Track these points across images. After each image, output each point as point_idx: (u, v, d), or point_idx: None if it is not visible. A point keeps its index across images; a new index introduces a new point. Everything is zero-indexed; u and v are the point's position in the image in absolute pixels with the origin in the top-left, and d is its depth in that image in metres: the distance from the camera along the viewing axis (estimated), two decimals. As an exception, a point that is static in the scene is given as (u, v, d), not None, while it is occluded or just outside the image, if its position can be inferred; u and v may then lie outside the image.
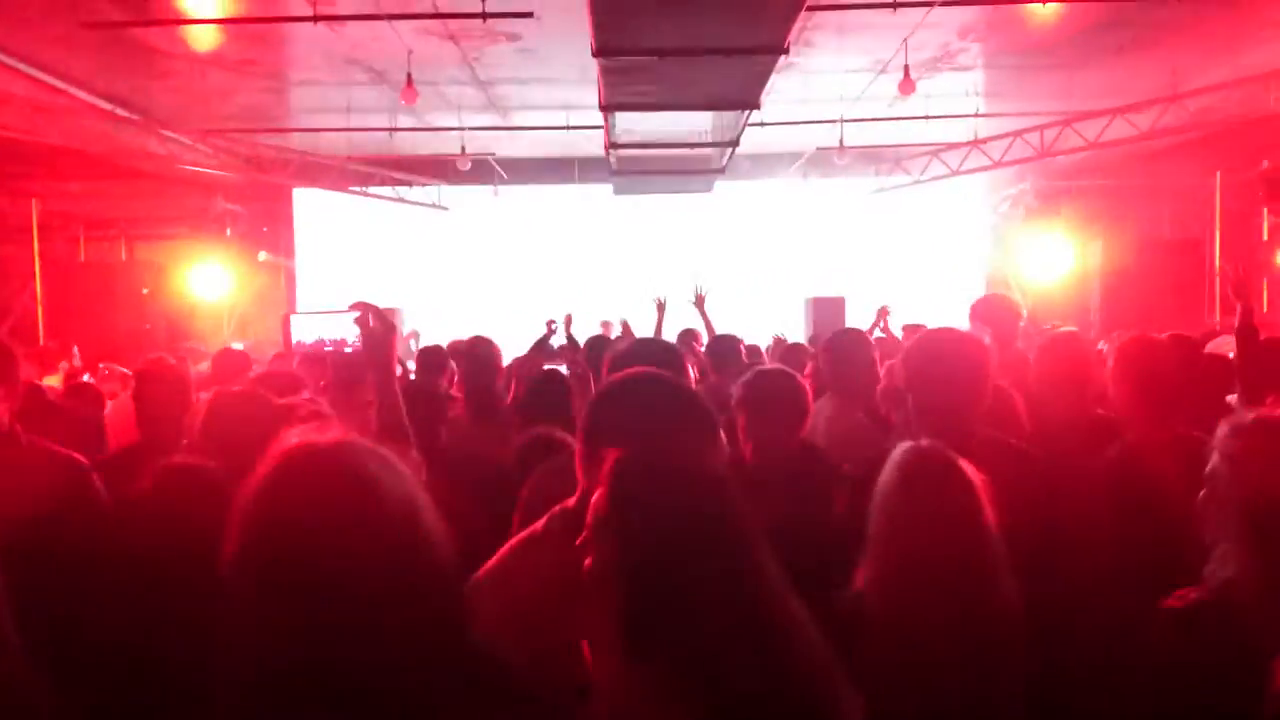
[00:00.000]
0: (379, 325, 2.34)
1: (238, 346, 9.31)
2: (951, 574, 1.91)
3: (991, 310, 4.65)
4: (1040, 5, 7.64)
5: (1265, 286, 10.66)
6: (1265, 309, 10.19)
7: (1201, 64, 9.30)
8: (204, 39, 8.14)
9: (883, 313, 7.14)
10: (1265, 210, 10.84)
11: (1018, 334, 4.65)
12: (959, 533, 1.94)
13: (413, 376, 5.81)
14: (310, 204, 13.63)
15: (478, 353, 4.54)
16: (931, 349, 2.73)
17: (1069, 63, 9.20)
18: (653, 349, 2.66)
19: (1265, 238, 10.79)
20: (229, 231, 12.41)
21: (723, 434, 1.83)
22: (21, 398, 2.95)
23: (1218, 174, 11.14)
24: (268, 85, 9.62)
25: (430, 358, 5.49)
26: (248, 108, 10.37)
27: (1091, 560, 2.60)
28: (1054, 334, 4.35)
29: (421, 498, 1.32)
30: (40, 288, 10.76)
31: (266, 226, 13.18)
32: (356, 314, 2.36)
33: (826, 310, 11.84)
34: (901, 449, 2.06)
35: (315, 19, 7.23)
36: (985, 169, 12.18)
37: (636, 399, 1.75)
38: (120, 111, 9.86)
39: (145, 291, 11.85)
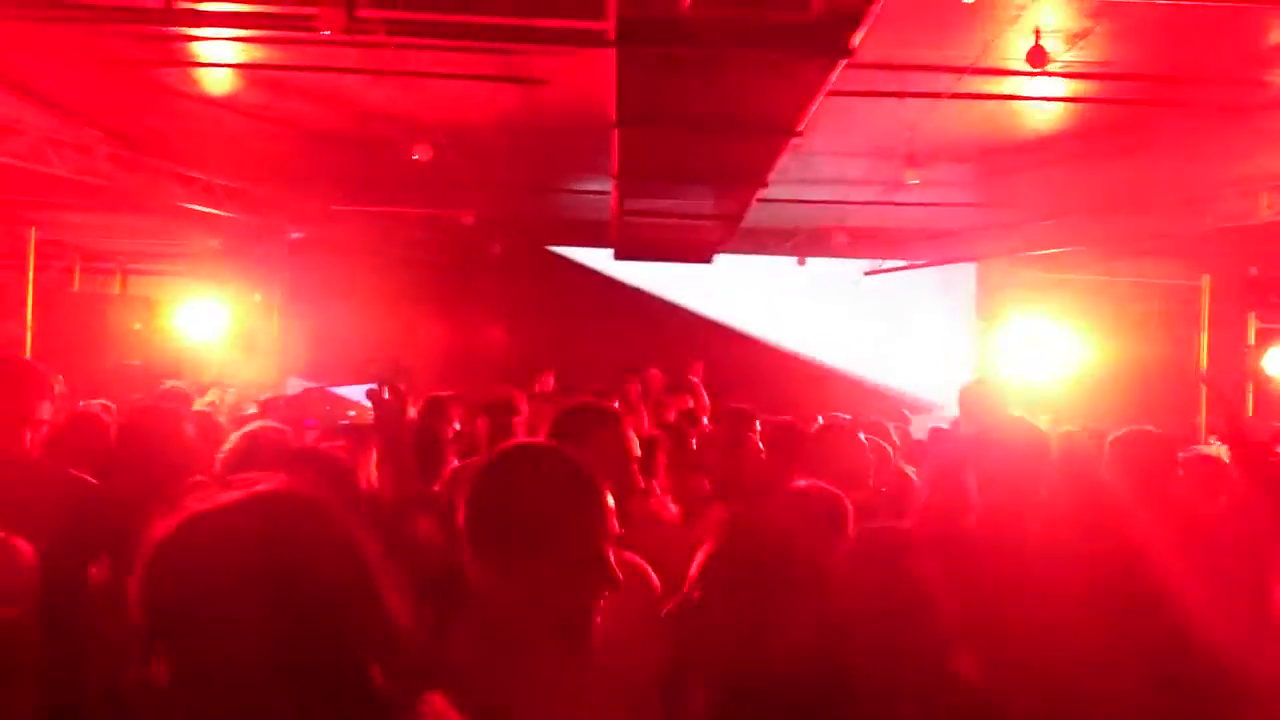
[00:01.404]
0: (393, 400, 2.38)
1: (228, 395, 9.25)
2: None
3: (977, 396, 4.70)
4: (1041, 104, 7.89)
5: (1251, 390, 10.82)
6: (1251, 412, 10.34)
7: (1196, 170, 9.54)
8: (221, 83, 8.23)
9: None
10: (1252, 315, 11.05)
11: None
12: None
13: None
14: (311, 252, 13.65)
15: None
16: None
17: (1066, 161, 9.42)
18: None
19: (1252, 342, 10.98)
20: (225, 272, 12.41)
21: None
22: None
23: (1206, 277, 11.37)
24: (279, 131, 9.70)
25: (434, 405, 5.56)
26: (258, 152, 10.45)
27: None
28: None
29: (353, 553, 1.29)
30: (31, 315, 10.70)
31: (264, 270, 13.16)
32: (371, 386, 2.40)
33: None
34: None
35: (331, 70, 7.36)
36: (978, 258, 12.38)
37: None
38: (131, 150, 9.92)
39: (137, 326, 11.79)
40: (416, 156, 8.28)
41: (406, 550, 3.46)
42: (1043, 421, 4.24)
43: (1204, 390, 10.08)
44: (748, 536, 2.10)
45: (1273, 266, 10.92)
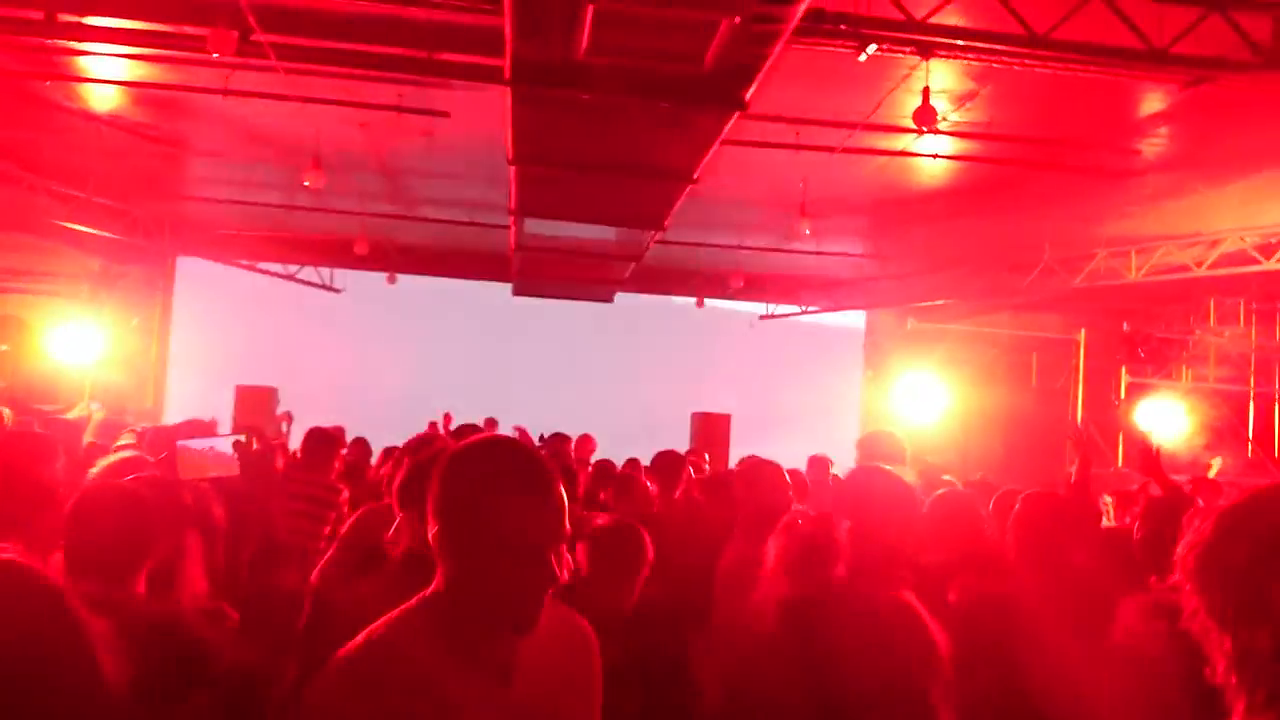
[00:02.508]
0: (261, 451, 2.31)
1: (96, 412, 8.83)
2: None
3: (875, 446, 4.79)
4: (929, 162, 8.17)
5: (1120, 441, 11.31)
6: (1120, 463, 10.79)
7: (1073, 230, 9.99)
8: (107, 100, 7.94)
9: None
10: (1123, 369, 11.57)
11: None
12: None
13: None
14: (194, 275, 13.22)
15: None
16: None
17: (952, 217, 9.77)
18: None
19: (1123, 395, 11.48)
20: (104, 294, 11.91)
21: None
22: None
23: (1081, 332, 11.87)
24: (166, 151, 9.40)
25: (315, 442, 5.42)
26: (143, 171, 10.09)
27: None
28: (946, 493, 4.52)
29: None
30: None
31: (145, 292, 12.68)
32: (239, 438, 2.33)
33: (711, 426, 12.03)
34: None
35: (225, 93, 7.16)
36: (867, 307, 12.70)
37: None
38: (5, 163, 9.48)
39: (4, 347, 11.20)
40: (308, 183, 8.07)
41: (269, 601, 3.33)
42: (909, 473, 4.35)
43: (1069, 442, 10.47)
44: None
45: (1143, 323, 11.47)
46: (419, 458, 2.88)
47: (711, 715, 3.14)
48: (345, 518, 4.78)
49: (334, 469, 5.52)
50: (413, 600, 1.67)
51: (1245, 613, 1.20)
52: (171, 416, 10.83)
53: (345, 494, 5.38)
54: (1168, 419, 11.40)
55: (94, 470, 3.49)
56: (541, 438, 8.18)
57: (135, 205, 11.03)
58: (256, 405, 11.78)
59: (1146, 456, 4.66)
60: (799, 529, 3.18)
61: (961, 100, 6.98)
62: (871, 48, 5.04)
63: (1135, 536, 3.59)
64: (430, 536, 1.63)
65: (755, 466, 4.20)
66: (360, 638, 1.63)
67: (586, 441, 9.14)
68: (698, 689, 3.17)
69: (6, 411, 6.91)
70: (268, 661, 2.88)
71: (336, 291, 13.25)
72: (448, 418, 8.22)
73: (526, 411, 8.42)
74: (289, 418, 10.98)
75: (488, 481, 1.63)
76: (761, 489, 3.99)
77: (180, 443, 5.10)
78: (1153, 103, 6.81)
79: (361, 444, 7.92)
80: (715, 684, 3.16)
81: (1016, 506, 3.37)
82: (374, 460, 7.53)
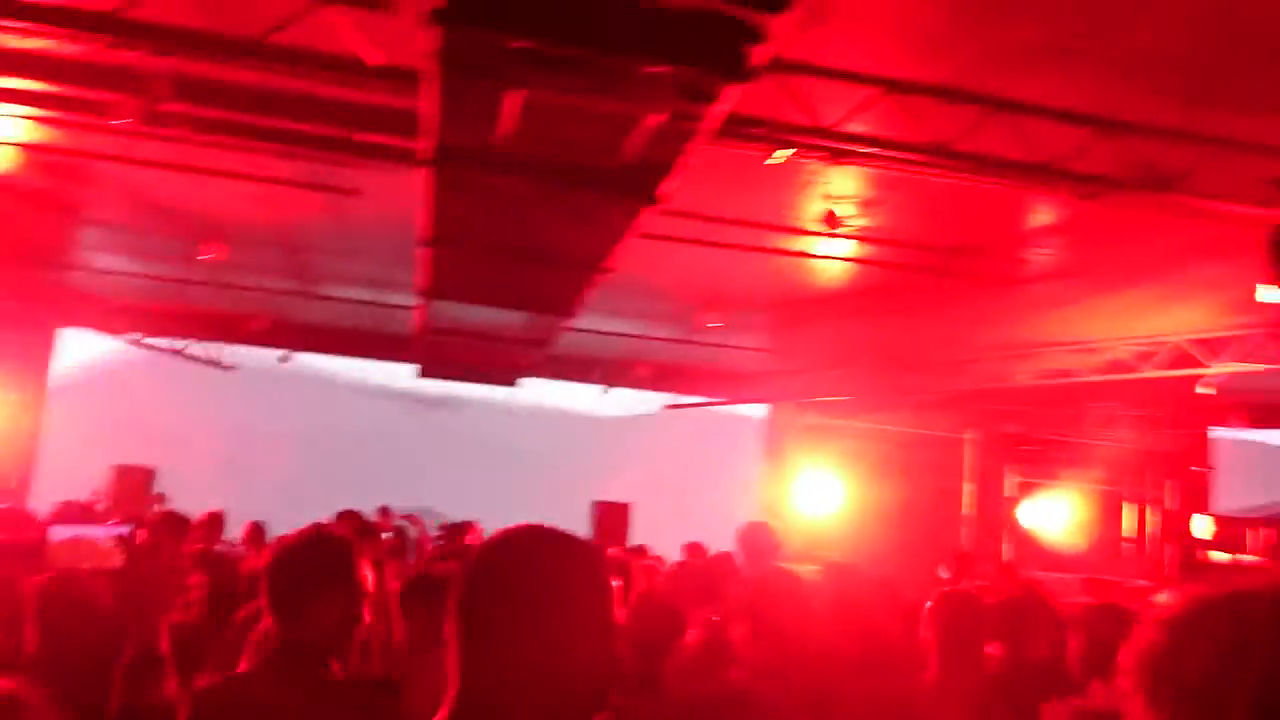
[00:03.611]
0: (147, 544, 2.19)
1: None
2: None
3: (753, 538, 4.84)
4: (830, 263, 8.43)
5: (1005, 538, 11.61)
6: (1009, 557, 11.07)
7: (963, 334, 10.37)
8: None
9: None
10: (1006, 468, 11.96)
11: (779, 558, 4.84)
12: None
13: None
14: (74, 348, 12.64)
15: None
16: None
17: (851, 316, 10.05)
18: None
19: (1007, 493, 11.84)
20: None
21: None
22: None
23: (968, 431, 12.25)
24: (56, 218, 9.04)
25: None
26: (28, 237, 9.66)
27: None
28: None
29: None
30: None
31: (20, 364, 12.03)
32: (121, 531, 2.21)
33: (610, 515, 11.92)
34: None
35: (124, 161, 6.96)
36: (768, 400, 12.88)
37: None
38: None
39: None
40: (205, 256, 7.85)
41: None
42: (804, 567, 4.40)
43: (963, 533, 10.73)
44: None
45: (1028, 426, 11.91)
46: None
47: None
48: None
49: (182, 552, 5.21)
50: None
51: None
52: (42, 495, 10.21)
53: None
54: (1050, 516, 11.81)
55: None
56: (443, 526, 8.00)
57: (16, 272, 10.53)
58: (133, 485, 11.23)
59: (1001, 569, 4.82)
60: (700, 633, 3.15)
61: (863, 206, 7.24)
62: (785, 152, 5.20)
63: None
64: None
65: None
66: None
67: (471, 528, 9.08)
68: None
69: None
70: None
71: (227, 369, 12.80)
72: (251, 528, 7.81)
73: (430, 498, 8.19)
74: (161, 499, 10.49)
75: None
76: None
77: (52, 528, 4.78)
78: (1043, 215, 7.18)
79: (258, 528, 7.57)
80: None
81: (931, 603, 3.40)
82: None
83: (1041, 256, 7.99)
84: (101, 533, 4.73)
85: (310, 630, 2.28)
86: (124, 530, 3.69)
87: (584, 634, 1.41)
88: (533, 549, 1.47)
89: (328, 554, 2.36)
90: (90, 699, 2.80)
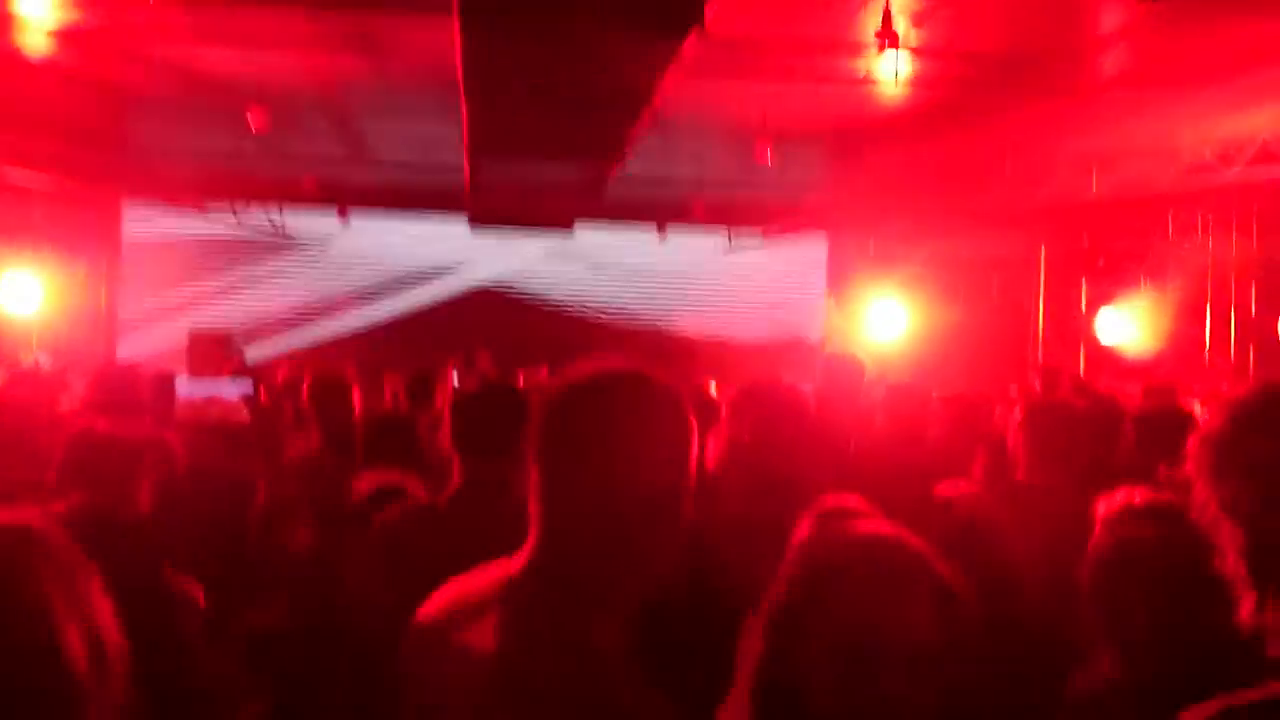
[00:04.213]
0: (271, 399, 2.24)
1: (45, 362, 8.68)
2: None
3: (839, 367, 4.83)
4: (889, 82, 8.04)
5: (1082, 352, 11.44)
6: (1082, 372, 10.92)
7: (1029, 149, 9.94)
8: (41, 44, 7.59)
9: None
10: (1084, 282, 11.66)
11: (863, 390, 4.84)
12: None
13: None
14: (140, 221, 12.86)
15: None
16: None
17: (913, 137, 9.67)
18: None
19: (1084, 309, 11.58)
20: (45, 242, 11.54)
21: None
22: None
23: (1042, 248, 11.91)
24: (106, 96, 9.05)
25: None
26: (84, 117, 9.72)
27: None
28: (894, 385, 4.63)
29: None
30: None
31: (91, 238, 12.32)
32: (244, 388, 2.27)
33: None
34: None
35: (166, 33, 6.88)
36: (830, 228, 12.64)
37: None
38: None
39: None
40: (253, 124, 7.83)
41: (281, 560, 3.27)
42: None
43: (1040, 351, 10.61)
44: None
45: (1102, 238, 11.52)
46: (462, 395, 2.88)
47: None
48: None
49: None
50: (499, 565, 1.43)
51: (1266, 505, 1.18)
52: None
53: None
54: (1128, 330, 11.54)
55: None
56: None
57: (76, 153, 10.65)
58: (211, 348, 11.57)
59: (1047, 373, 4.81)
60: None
61: (921, 18, 6.84)
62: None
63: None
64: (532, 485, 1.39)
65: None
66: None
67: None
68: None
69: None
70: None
71: (287, 238, 12.94)
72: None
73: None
74: (242, 357, 10.86)
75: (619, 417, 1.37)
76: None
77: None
78: (1114, 15, 6.72)
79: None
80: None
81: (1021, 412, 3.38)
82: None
83: (1114, 60, 7.52)
84: (229, 389, 4.90)
85: (490, 469, 2.54)
86: (249, 387, 3.79)
87: (661, 480, 1.35)
88: (613, 388, 1.40)
89: (505, 403, 2.63)
90: (227, 548, 3.01)
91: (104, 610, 1.23)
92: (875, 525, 1.44)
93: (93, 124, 9.96)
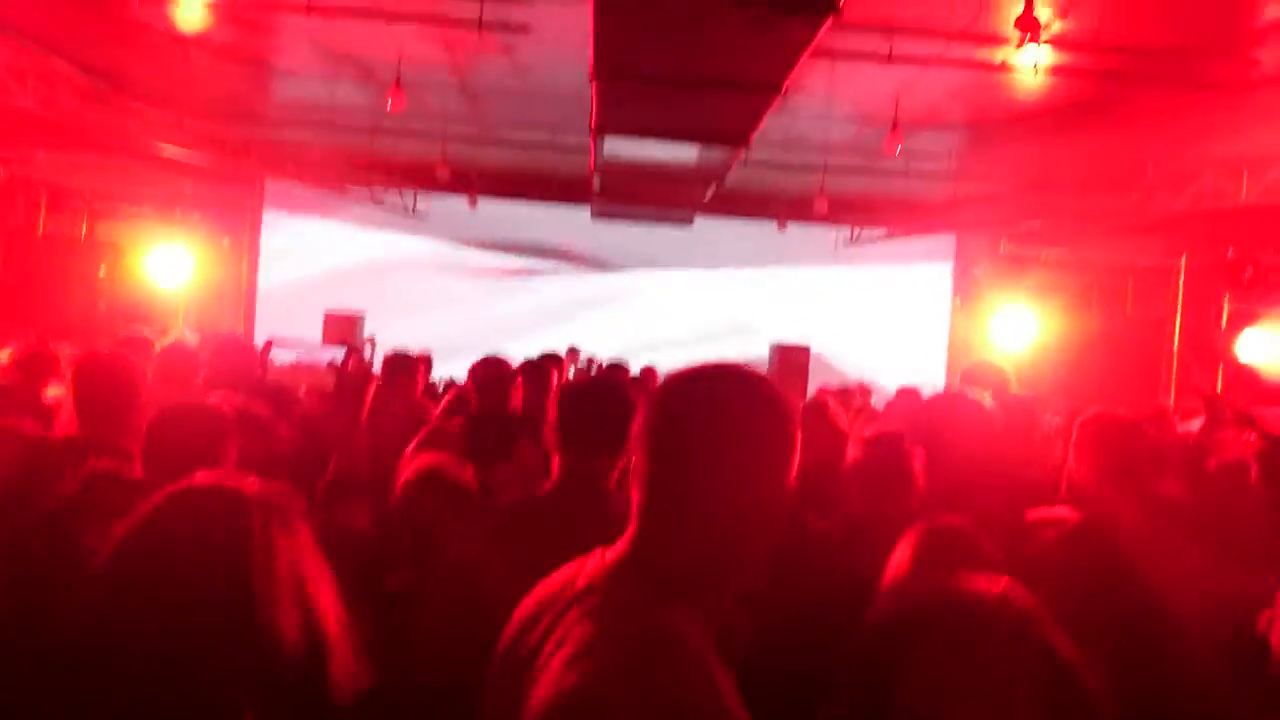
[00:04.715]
0: (358, 371, 2.32)
1: (190, 337, 9.10)
2: None
3: (984, 376, 4.74)
4: (1027, 75, 7.78)
5: (1221, 371, 10.86)
6: (1220, 392, 10.38)
7: (1175, 149, 9.50)
8: (191, 18, 7.98)
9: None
10: (1226, 296, 11.07)
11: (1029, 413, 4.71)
12: None
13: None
14: (279, 199, 13.43)
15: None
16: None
17: (1049, 134, 9.34)
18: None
19: (1224, 325, 11.00)
20: (195, 216, 12.17)
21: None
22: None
23: (1183, 257, 11.36)
24: (250, 72, 9.47)
25: (395, 364, 5.42)
26: (229, 92, 10.20)
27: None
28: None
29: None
30: (-3, 259, 10.48)
31: (235, 214, 12.92)
32: (336, 354, 2.34)
33: (790, 358, 11.88)
34: None
35: (309, 10, 7.15)
36: (957, 230, 12.31)
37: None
38: (97, 83, 9.64)
39: (102, 273, 11.54)
40: (389, 102, 8.08)
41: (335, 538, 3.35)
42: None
43: (1175, 368, 10.11)
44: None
45: (1250, 249, 10.92)
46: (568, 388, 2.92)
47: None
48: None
49: (415, 392, 5.52)
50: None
51: None
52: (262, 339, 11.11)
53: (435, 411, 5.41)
54: (1274, 351, 10.90)
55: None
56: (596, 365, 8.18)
57: (224, 126, 11.17)
58: (344, 331, 12.00)
59: (1212, 404, 4.50)
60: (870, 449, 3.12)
61: (1064, 9, 6.61)
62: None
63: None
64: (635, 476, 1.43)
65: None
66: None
67: (651, 374, 9.08)
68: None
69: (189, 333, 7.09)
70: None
71: (418, 218, 13.33)
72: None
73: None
74: (372, 342, 11.20)
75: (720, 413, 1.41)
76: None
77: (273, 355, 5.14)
78: (1273, 4, 6.35)
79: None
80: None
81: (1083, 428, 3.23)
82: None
83: (1272, 55, 7.11)
84: (320, 356, 5.01)
85: (592, 462, 2.59)
86: (338, 356, 3.90)
87: (765, 484, 1.38)
88: (724, 388, 1.44)
89: (611, 400, 2.65)
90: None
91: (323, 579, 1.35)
92: (980, 581, 1.35)
93: (238, 101, 10.44)
